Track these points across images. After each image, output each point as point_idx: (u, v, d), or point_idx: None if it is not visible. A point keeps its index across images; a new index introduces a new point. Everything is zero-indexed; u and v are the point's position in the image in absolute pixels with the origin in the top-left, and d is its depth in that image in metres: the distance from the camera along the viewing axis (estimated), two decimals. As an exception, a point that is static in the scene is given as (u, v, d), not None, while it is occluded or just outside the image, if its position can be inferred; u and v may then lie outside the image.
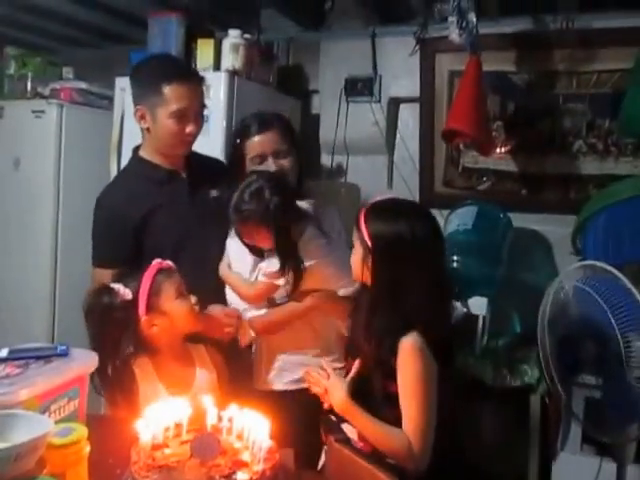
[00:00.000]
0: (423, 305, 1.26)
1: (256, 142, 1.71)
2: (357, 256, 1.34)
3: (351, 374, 1.31)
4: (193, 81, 1.70)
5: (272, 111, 1.84)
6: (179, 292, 1.48)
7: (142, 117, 1.71)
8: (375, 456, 1.21)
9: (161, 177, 1.73)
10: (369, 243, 1.29)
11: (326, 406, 1.33)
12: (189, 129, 1.69)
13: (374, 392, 1.27)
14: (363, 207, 1.35)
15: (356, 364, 1.32)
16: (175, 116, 1.66)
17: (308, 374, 1.38)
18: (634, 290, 1.49)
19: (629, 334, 1.50)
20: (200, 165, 1.81)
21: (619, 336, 1.49)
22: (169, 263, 1.51)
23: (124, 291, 1.43)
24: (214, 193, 1.78)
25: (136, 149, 1.80)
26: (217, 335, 1.60)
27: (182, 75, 1.68)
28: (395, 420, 1.22)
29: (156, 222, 1.68)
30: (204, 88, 1.76)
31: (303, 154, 1.87)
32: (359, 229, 1.32)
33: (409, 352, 1.22)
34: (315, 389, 1.35)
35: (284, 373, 1.66)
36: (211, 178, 1.79)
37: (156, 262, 1.48)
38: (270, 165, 1.69)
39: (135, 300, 1.44)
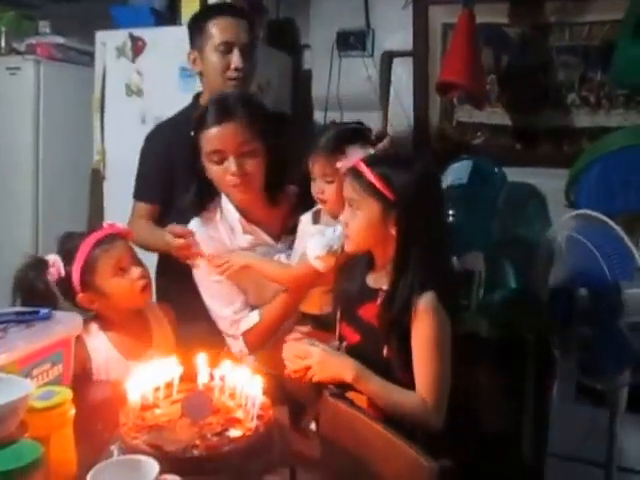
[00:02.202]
0: (440, 261, 1.23)
1: (213, 135, 1.41)
2: (364, 218, 1.21)
3: (345, 343, 1.28)
4: (236, 14, 1.72)
5: (238, 94, 1.55)
6: (118, 268, 1.35)
7: (194, 61, 1.75)
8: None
9: None
10: (391, 196, 1.19)
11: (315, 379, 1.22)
12: (235, 64, 1.68)
13: (378, 359, 1.21)
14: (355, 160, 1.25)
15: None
16: (219, 50, 1.68)
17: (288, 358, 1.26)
18: (626, 238, 1.47)
19: (622, 282, 1.48)
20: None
21: (612, 284, 1.48)
22: (116, 228, 1.40)
23: (57, 266, 1.33)
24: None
25: (197, 95, 1.82)
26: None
27: (224, 9, 1.73)
28: (403, 385, 1.18)
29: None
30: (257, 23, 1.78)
31: (284, 148, 1.53)
32: (367, 184, 1.20)
33: (427, 311, 1.17)
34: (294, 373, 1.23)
35: None
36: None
37: (95, 233, 1.36)
38: (231, 166, 1.40)
39: (70, 274, 1.33)
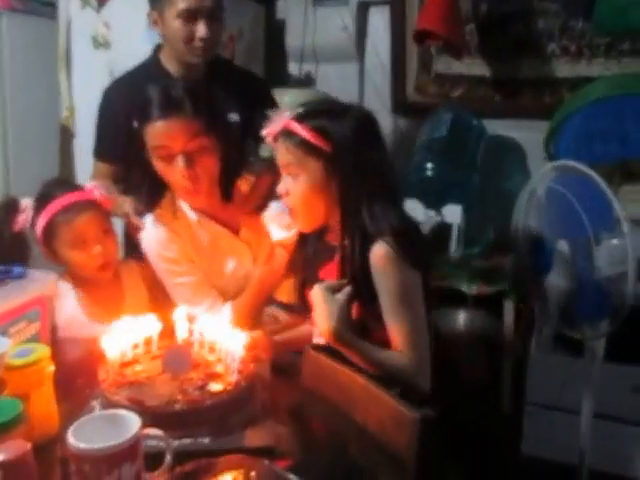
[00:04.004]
0: (390, 208, 1.14)
1: (158, 130, 1.29)
2: (305, 182, 1.12)
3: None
4: None
5: (184, 84, 1.37)
6: (78, 241, 1.30)
7: (155, 22, 1.62)
8: None
9: None
10: (328, 148, 1.10)
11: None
12: (200, 32, 1.55)
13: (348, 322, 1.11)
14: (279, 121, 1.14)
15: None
16: (182, 16, 1.53)
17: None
18: (606, 188, 1.47)
19: (600, 232, 1.49)
20: (226, 80, 1.64)
21: (591, 234, 1.49)
22: (90, 195, 1.33)
23: (27, 213, 1.29)
24: (234, 117, 1.61)
25: (158, 48, 1.69)
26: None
27: None
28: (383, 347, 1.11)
29: None
30: None
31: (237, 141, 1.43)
32: (301, 142, 1.11)
33: (385, 263, 1.09)
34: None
35: None
36: (235, 98, 1.59)
37: (69, 195, 1.31)
38: (179, 165, 1.29)
39: (35, 224, 1.30)
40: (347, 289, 1.10)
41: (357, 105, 1.22)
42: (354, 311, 1.12)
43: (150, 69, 1.67)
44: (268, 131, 1.17)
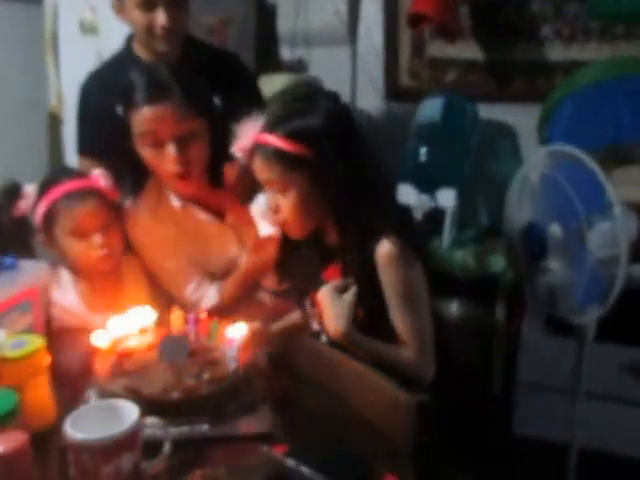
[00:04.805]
0: (384, 202, 1.12)
1: (145, 116, 1.26)
2: (296, 194, 1.07)
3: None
4: None
5: (169, 67, 1.34)
6: (78, 230, 1.26)
7: (120, 10, 1.57)
8: None
9: None
10: (307, 151, 1.04)
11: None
12: (160, 21, 1.50)
13: (355, 323, 1.10)
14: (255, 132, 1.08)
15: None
16: (140, 6, 1.49)
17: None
18: (598, 172, 1.47)
19: (593, 217, 1.50)
20: (203, 62, 1.60)
21: (583, 218, 1.49)
22: (96, 183, 1.30)
23: (28, 199, 1.27)
24: (216, 100, 1.54)
25: (130, 37, 1.66)
26: None
27: None
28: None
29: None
30: None
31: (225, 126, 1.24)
32: (277, 153, 1.04)
33: (389, 261, 1.07)
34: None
35: None
36: (215, 80, 1.51)
37: (74, 182, 1.29)
38: (170, 153, 1.27)
39: (36, 208, 1.28)
40: (353, 288, 1.10)
41: (324, 91, 1.15)
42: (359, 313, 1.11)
43: (124, 59, 1.63)
44: (238, 147, 1.11)
